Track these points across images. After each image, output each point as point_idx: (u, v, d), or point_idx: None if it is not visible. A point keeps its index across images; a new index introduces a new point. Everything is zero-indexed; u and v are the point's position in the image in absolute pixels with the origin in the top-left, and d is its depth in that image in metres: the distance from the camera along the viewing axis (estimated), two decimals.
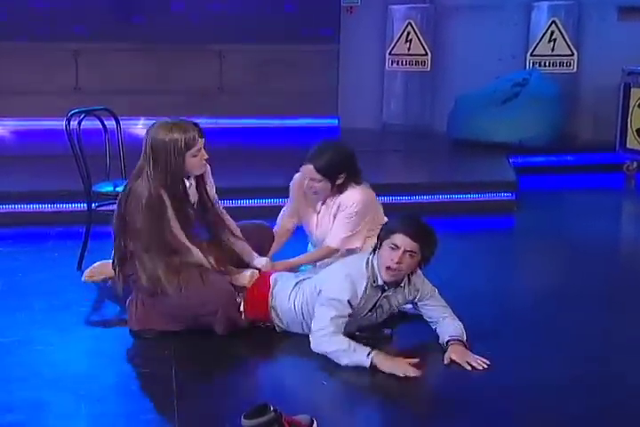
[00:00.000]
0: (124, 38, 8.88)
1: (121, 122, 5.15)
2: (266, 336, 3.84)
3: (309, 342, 3.62)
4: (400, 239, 3.60)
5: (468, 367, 3.50)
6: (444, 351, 3.61)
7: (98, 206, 4.98)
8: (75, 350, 3.76)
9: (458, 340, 3.64)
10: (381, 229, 3.74)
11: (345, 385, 3.47)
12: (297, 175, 4.34)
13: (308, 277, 3.88)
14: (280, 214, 4.46)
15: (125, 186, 3.89)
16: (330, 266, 3.87)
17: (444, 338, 3.68)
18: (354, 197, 4.17)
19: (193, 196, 3.89)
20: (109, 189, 4.87)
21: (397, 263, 3.59)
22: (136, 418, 3.13)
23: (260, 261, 4.06)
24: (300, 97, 9.24)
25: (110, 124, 5.09)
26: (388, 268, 3.61)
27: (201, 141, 3.77)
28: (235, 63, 9.32)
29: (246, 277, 3.89)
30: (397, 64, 9.49)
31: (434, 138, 9.12)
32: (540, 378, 3.51)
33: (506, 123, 8.10)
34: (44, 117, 8.40)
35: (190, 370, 3.60)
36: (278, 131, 9.09)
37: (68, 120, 4.75)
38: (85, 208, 4.97)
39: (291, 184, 4.39)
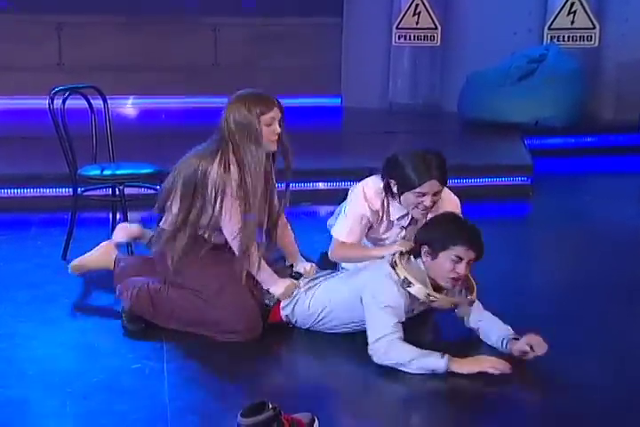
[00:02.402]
0: (111, 11, 8.87)
1: (108, 101, 5.14)
2: (264, 331, 3.84)
3: (310, 336, 3.64)
4: (463, 252, 3.62)
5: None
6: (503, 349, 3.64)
7: (84, 191, 4.99)
8: (60, 345, 3.77)
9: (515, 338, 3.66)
10: (432, 238, 3.68)
11: (347, 383, 3.49)
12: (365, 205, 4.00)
13: (322, 280, 3.88)
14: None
15: (183, 158, 3.85)
16: (361, 271, 3.80)
17: (500, 335, 3.67)
18: (450, 193, 4.14)
19: (260, 177, 3.79)
20: (96, 172, 4.87)
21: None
22: (125, 417, 3.14)
23: (305, 266, 4.00)
24: (300, 74, 9.25)
25: (97, 103, 5.08)
26: (454, 279, 3.65)
27: (277, 112, 3.79)
28: (230, 38, 9.33)
29: (281, 288, 3.83)
30: (405, 39, 9.48)
31: (444, 118, 9.12)
32: (557, 373, 3.53)
33: (521, 102, 8.10)
34: (24, 96, 8.42)
35: (183, 366, 3.61)
36: None
37: (52, 99, 4.74)
38: (71, 193, 4.97)
39: (361, 213, 4.01)
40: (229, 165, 3.72)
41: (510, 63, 8.51)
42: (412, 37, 9.45)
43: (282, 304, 3.84)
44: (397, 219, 4.01)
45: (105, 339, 3.84)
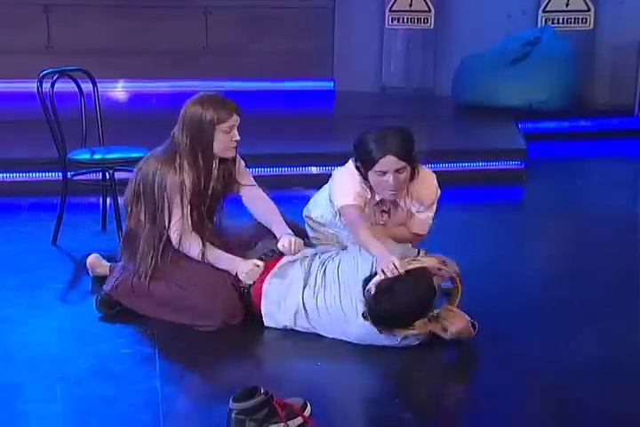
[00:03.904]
0: None
1: (98, 84, 5.13)
2: (257, 316, 3.85)
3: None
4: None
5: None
6: None
7: (74, 175, 4.98)
8: (50, 330, 3.78)
9: None
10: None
11: (340, 368, 3.51)
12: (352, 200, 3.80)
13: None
14: None
15: (146, 156, 3.91)
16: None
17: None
18: (432, 179, 3.96)
19: (212, 181, 3.86)
20: (86, 156, 4.86)
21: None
22: (117, 402, 3.16)
23: (284, 242, 3.85)
24: (292, 57, 9.24)
25: (86, 86, 5.07)
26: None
27: (236, 119, 3.78)
28: (221, 20, 9.30)
29: (242, 271, 3.78)
30: (398, 21, 9.47)
31: (437, 102, 9.12)
32: (548, 357, 3.55)
33: (515, 85, 8.09)
34: (12, 79, 8.39)
35: (175, 350, 3.62)
36: (269, 94, 9.08)
37: (40, 82, 4.73)
38: (60, 177, 4.97)
39: (354, 185, 3.83)
40: (182, 171, 3.74)
41: (504, 46, 8.50)
42: (406, 20, 9.43)
43: (263, 308, 3.78)
44: (377, 203, 3.90)
45: (95, 324, 3.85)
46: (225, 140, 3.78)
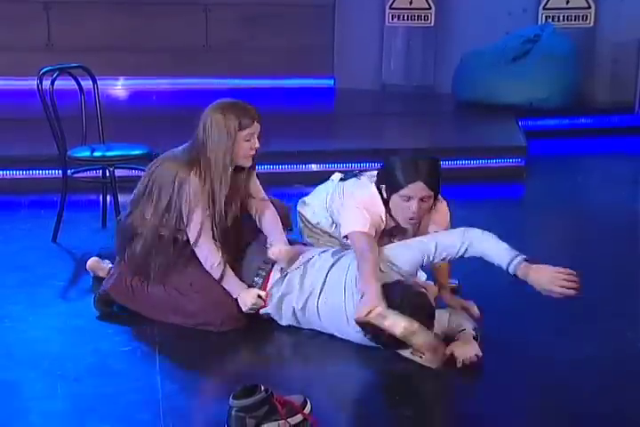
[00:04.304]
0: None
1: (98, 82, 5.12)
2: (258, 315, 3.85)
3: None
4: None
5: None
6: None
7: (74, 173, 4.99)
8: (50, 328, 3.78)
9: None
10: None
11: (340, 365, 3.51)
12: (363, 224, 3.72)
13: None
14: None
15: (161, 157, 3.85)
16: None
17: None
18: (446, 211, 3.94)
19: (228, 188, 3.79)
20: (86, 154, 4.86)
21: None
22: (117, 399, 3.16)
23: (274, 250, 3.78)
24: (292, 55, 9.23)
25: (86, 83, 5.07)
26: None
27: (256, 127, 3.74)
28: (222, 18, 9.29)
29: (246, 301, 3.73)
30: (398, 19, 9.47)
31: (437, 99, 9.12)
32: (548, 354, 3.55)
33: (516, 83, 8.10)
34: (13, 77, 8.38)
35: (175, 348, 3.62)
36: (269, 92, 9.07)
37: (40, 79, 4.73)
38: (60, 175, 4.97)
39: (369, 212, 3.74)
40: (203, 176, 3.70)
41: (505, 44, 8.50)
42: (406, 18, 9.43)
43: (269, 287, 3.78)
44: (385, 229, 3.84)
45: (95, 322, 3.85)
46: (245, 147, 3.73)
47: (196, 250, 3.77)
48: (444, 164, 6.53)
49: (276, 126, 5.86)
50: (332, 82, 9.46)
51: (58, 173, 5.08)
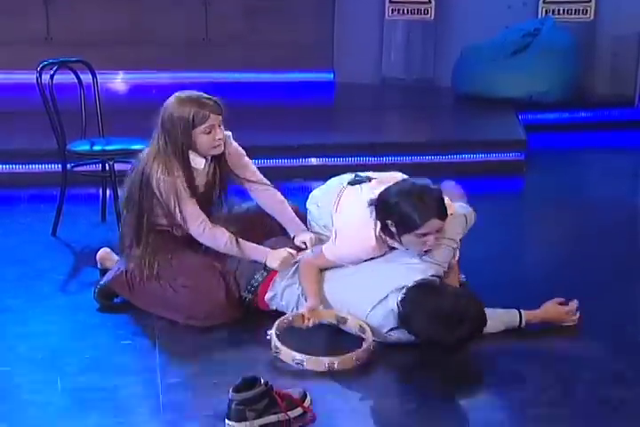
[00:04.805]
0: None
1: (97, 75, 5.12)
2: (258, 309, 3.85)
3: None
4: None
5: None
6: None
7: (73, 167, 4.99)
8: (50, 321, 3.79)
9: None
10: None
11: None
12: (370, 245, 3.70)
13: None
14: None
15: (143, 151, 3.86)
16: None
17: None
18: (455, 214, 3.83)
19: (203, 177, 3.84)
20: (86, 148, 4.86)
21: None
22: (117, 393, 3.17)
23: (304, 239, 3.90)
24: (292, 49, 9.21)
25: (86, 77, 5.06)
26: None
27: (215, 118, 3.70)
28: (221, 11, 9.27)
29: (276, 260, 3.76)
30: (398, 13, 9.44)
31: (437, 93, 9.10)
32: (550, 345, 3.57)
33: (515, 76, 8.08)
34: (12, 70, 8.36)
35: (174, 341, 3.63)
36: (268, 86, 9.06)
37: (40, 73, 4.73)
38: (60, 169, 4.97)
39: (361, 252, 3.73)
40: (171, 170, 3.68)
41: (504, 37, 8.47)
42: (406, 11, 9.40)
43: (267, 296, 3.78)
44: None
45: (95, 315, 3.86)
46: (207, 140, 3.72)
47: (202, 240, 3.80)
48: (444, 157, 6.59)
49: (276, 120, 5.87)
50: (332, 75, 9.44)
51: (57, 166, 5.08)
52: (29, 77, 5.07)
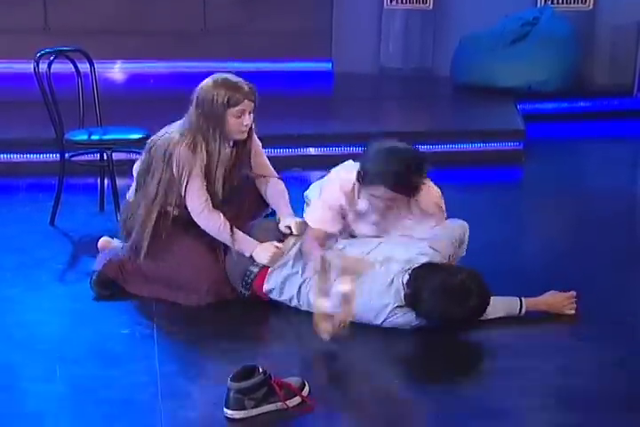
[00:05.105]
0: None
1: (95, 65, 5.11)
2: (256, 298, 3.86)
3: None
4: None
5: None
6: None
7: (71, 156, 4.99)
8: (49, 310, 3.79)
9: None
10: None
11: (339, 348, 3.52)
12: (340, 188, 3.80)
13: None
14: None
15: (161, 131, 3.89)
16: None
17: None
18: (433, 193, 3.85)
19: (223, 163, 3.84)
20: (83, 137, 4.86)
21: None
22: (115, 381, 3.17)
23: (290, 223, 3.86)
24: (290, 38, 9.19)
25: (84, 66, 5.05)
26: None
27: (248, 104, 3.76)
28: (220, 1, 9.24)
29: (264, 255, 3.76)
30: (397, 2, 9.41)
31: (436, 82, 9.08)
32: (550, 336, 3.58)
33: (514, 66, 8.06)
34: (9, 60, 8.34)
35: (173, 330, 3.64)
36: (267, 75, 9.03)
37: (37, 62, 4.72)
38: (58, 158, 4.96)
39: (336, 196, 3.81)
40: (195, 147, 3.73)
41: (503, 26, 8.45)
42: (404, 0, 9.38)
43: (265, 288, 3.78)
44: (364, 213, 3.84)
45: (94, 304, 3.87)
46: (235, 124, 3.77)
47: (198, 219, 3.82)
48: (443, 147, 6.58)
49: (275, 110, 5.85)
50: (330, 65, 9.42)
51: (55, 156, 5.07)
52: (27, 67, 5.06)
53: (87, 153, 5.13)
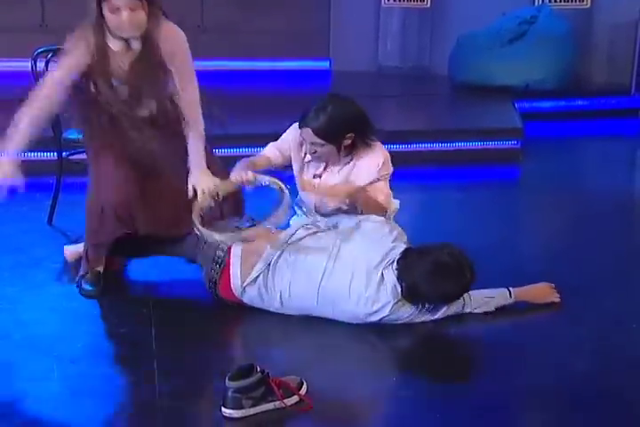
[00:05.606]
0: None
1: None
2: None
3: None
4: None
5: None
6: None
7: (69, 155, 4.98)
8: (46, 309, 3.79)
9: None
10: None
11: (336, 347, 3.52)
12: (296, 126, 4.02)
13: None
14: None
15: None
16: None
17: None
18: (377, 159, 3.91)
19: (124, 62, 3.77)
20: (81, 136, 4.84)
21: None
22: (113, 380, 3.18)
23: (196, 182, 3.78)
24: (288, 37, 9.19)
25: None
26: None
27: (123, 1, 3.64)
28: None
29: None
30: (394, 0, 9.42)
31: (434, 81, 9.08)
32: (548, 333, 3.58)
33: (512, 64, 8.07)
34: (6, 58, 8.33)
35: (171, 329, 3.63)
36: (264, 74, 9.04)
37: (35, 60, 4.72)
38: (55, 157, 4.96)
39: (290, 135, 4.08)
40: (84, 30, 3.75)
41: (501, 25, 8.46)
42: None
43: (236, 291, 3.69)
44: (308, 163, 4.00)
45: (91, 304, 3.86)
46: (112, 19, 3.68)
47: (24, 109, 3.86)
48: (441, 145, 6.57)
49: (272, 109, 5.85)
50: (328, 64, 9.42)
51: (53, 155, 5.07)
52: (24, 65, 5.05)
53: (85, 152, 5.11)
